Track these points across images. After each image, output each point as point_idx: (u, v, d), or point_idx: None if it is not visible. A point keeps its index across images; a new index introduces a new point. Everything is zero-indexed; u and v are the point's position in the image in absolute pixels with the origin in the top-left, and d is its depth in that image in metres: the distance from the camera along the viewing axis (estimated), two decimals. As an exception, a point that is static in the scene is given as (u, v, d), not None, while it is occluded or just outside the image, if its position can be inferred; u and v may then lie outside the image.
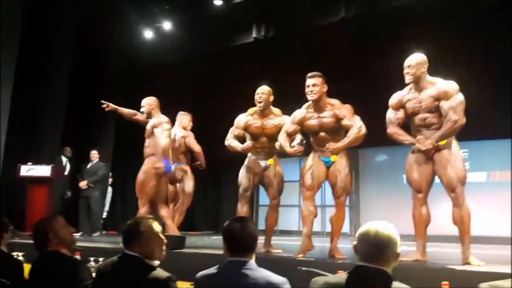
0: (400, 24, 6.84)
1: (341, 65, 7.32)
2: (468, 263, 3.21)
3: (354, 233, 8.31)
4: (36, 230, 2.38)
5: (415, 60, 3.50)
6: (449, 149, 3.43)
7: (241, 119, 4.41)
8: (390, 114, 3.67)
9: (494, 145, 7.14)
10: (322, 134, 3.89)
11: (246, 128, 4.37)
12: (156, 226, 2.04)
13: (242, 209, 4.37)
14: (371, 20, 6.99)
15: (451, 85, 3.44)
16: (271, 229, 4.38)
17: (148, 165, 4.62)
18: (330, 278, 1.75)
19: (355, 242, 1.69)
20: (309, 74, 3.87)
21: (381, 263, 1.61)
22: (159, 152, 4.55)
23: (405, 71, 3.52)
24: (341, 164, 3.85)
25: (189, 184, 5.35)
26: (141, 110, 4.90)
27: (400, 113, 3.63)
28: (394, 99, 3.68)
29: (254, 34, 7.64)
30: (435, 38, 6.15)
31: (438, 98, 3.43)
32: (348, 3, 6.80)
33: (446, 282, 2.48)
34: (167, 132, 4.69)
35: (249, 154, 4.43)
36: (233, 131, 4.44)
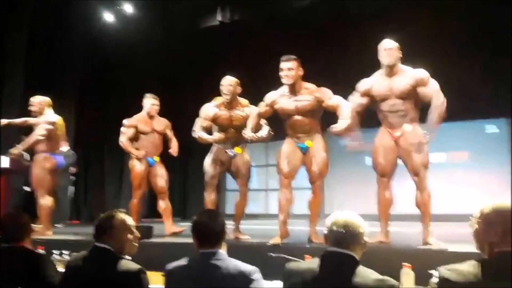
0: (369, 8, 6.91)
1: (309, 48, 7.33)
2: (428, 243, 3.33)
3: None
4: (5, 224, 2.32)
5: (394, 45, 3.54)
6: (414, 134, 3.52)
7: (209, 111, 4.31)
8: (353, 99, 3.70)
9: (452, 126, 7.44)
10: (297, 117, 3.83)
11: (214, 120, 4.31)
12: (129, 221, 2.06)
13: (209, 196, 4.36)
14: (339, 4, 7.00)
15: (424, 72, 3.52)
16: (240, 216, 4.38)
17: (41, 161, 4.98)
18: (302, 263, 1.84)
19: (325, 231, 1.77)
20: (284, 58, 3.79)
21: (349, 249, 1.70)
22: (26, 145, 4.95)
23: (384, 53, 3.51)
24: (316, 149, 3.84)
25: (132, 173, 4.99)
26: (31, 108, 5.03)
27: (364, 100, 3.66)
28: (362, 85, 3.68)
29: (219, 18, 7.51)
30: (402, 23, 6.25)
31: (415, 85, 3.49)
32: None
33: (408, 264, 2.57)
34: (42, 131, 4.92)
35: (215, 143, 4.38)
36: (200, 123, 4.34)
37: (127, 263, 1.95)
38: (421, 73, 3.54)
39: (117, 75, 8.42)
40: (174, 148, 5.08)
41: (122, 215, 2.05)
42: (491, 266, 1.40)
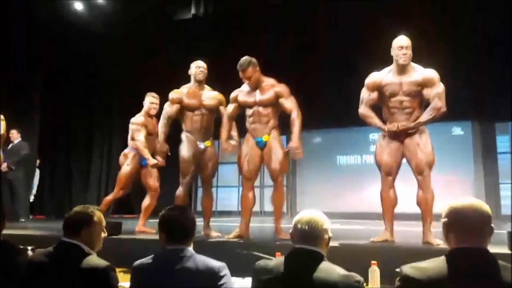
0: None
1: (280, 45, 7.35)
2: (429, 243, 3.33)
3: (291, 213, 8.63)
4: None
5: (409, 42, 3.55)
6: (420, 134, 3.56)
7: (174, 94, 4.27)
8: (364, 94, 3.71)
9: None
10: (257, 108, 3.91)
11: (181, 102, 4.23)
12: (102, 217, 2.05)
13: (181, 194, 4.19)
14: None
15: (434, 73, 3.54)
16: (208, 213, 4.32)
17: None
18: (271, 261, 1.83)
19: (291, 230, 1.80)
20: (239, 67, 3.86)
21: (315, 245, 1.74)
22: None
23: (401, 51, 3.52)
24: (274, 146, 3.89)
25: (120, 171, 4.95)
26: None
27: (374, 94, 3.66)
28: (370, 79, 3.70)
29: (193, 11, 7.45)
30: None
31: (422, 84, 3.50)
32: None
33: (374, 261, 2.62)
34: (1, 126, 5.08)
35: (187, 134, 4.27)
36: (168, 108, 4.23)
37: (96, 260, 1.91)
38: (432, 73, 3.55)
39: (85, 66, 8.20)
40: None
41: (99, 213, 2.03)
42: (449, 262, 1.44)
